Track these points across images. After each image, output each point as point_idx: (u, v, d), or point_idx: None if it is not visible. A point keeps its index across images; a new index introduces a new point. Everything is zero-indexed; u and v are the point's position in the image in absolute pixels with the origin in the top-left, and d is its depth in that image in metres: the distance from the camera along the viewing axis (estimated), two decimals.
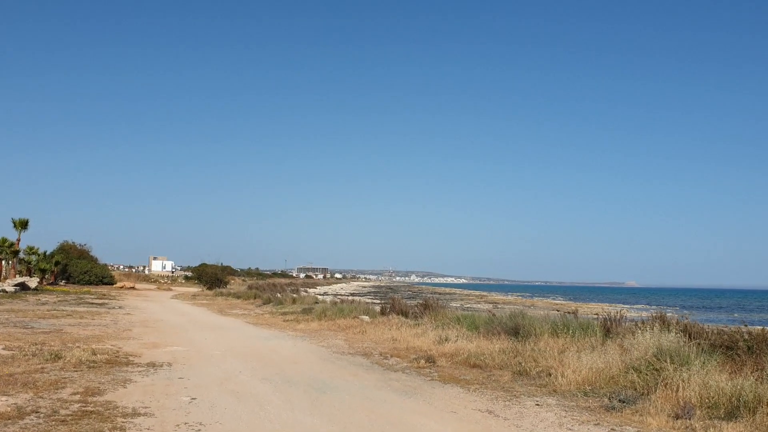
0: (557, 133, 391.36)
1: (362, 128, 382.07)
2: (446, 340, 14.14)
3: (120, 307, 28.27)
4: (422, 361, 11.48)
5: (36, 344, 12.67)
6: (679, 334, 10.65)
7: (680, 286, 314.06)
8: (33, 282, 38.72)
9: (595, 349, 11.25)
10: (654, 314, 14.11)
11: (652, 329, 10.95)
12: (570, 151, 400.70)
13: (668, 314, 15.23)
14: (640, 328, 11.21)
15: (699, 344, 9.64)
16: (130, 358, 11.48)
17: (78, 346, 12.41)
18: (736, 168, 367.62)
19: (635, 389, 8.66)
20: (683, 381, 8.08)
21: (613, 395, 8.31)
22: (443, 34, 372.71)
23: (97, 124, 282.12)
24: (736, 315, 56.65)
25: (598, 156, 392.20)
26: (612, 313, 14.92)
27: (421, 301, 21.27)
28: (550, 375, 9.91)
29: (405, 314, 20.23)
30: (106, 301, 33.41)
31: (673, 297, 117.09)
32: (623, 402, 7.95)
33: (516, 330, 14.15)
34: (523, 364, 10.74)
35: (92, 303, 30.38)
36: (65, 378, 9.06)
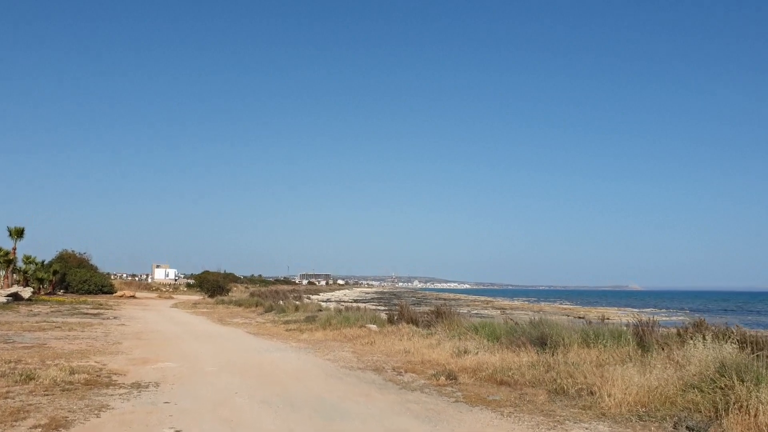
0: (556, 137, 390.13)
1: (363, 134, 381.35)
2: (465, 352, 12.83)
3: (115, 318, 26.99)
4: (442, 378, 10.17)
5: (10, 362, 11.38)
6: (735, 345, 9.38)
7: (682, 289, 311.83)
8: (27, 292, 37.44)
9: (639, 363, 9.95)
10: (695, 320, 12.87)
11: (704, 339, 9.66)
12: (570, 155, 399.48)
13: (691, 319, 13.99)
14: (691, 338, 9.91)
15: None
16: (113, 378, 10.19)
17: (57, 364, 11.11)
18: (737, 171, 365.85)
19: (700, 412, 7.35)
20: (762, 403, 6.77)
21: (678, 421, 6.99)
22: (445, 38, 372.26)
23: (97, 128, 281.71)
24: (749, 318, 55.37)
25: (599, 160, 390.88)
26: (643, 319, 13.59)
27: (431, 308, 19.95)
28: (593, 394, 8.60)
29: (415, 322, 18.92)
30: (102, 311, 32.12)
31: (678, 300, 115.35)
32: (692, 430, 6.64)
33: (542, 340, 12.83)
34: (558, 381, 9.42)
35: (86, 313, 29.10)
36: (31, 405, 7.77)
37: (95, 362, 11.99)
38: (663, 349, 10.94)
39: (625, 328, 13.21)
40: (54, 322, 22.68)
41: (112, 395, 8.67)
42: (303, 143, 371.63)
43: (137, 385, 9.52)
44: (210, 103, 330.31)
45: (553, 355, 11.79)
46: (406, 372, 11.33)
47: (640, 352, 11.61)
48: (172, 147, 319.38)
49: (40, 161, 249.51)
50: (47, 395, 8.45)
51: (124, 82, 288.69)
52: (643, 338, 12.38)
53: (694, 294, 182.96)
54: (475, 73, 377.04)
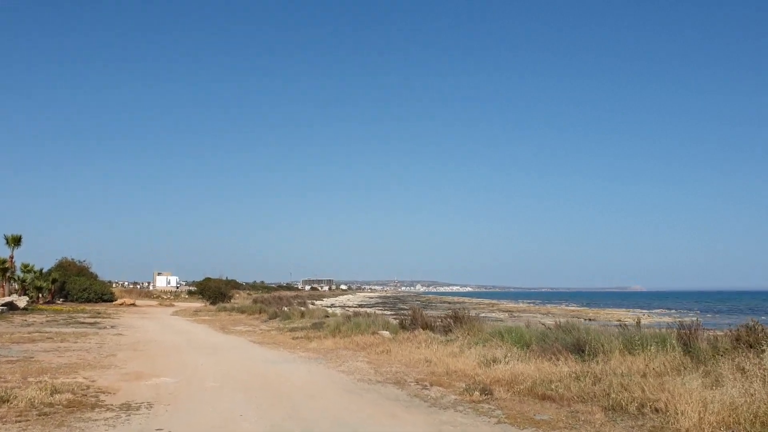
0: (555, 138, 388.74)
1: (362, 138, 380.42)
2: (494, 361, 11.57)
3: (112, 327, 25.74)
4: (476, 393, 8.90)
5: None
6: None
7: (685, 290, 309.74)
8: (22, 301, 36.19)
9: (701, 374, 8.71)
10: (747, 322, 11.58)
11: None
12: (570, 156, 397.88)
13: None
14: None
15: None
16: (101, 397, 8.95)
17: (39, 381, 9.87)
18: (737, 172, 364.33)
19: None
20: None
21: None
22: (444, 39, 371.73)
23: (97, 135, 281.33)
24: (763, 318, 54.01)
25: (599, 160, 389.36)
26: (685, 321, 12.32)
27: (448, 313, 18.70)
28: (658, 411, 7.35)
29: (431, 328, 17.69)
30: (99, 320, 30.87)
31: (683, 300, 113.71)
32: None
33: (579, 346, 11.59)
34: (613, 396, 8.16)
35: (83, 323, 27.86)
36: None
37: (83, 378, 10.75)
38: (721, 355, 9.70)
39: (662, 330, 12.01)
40: (47, 332, 21.45)
41: (96, 420, 7.43)
42: (303, 148, 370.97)
43: (127, 407, 8.29)
44: (209, 109, 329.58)
45: (593, 363, 10.58)
46: (431, 385, 10.07)
47: (688, 359, 10.40)
48: (172, 153, 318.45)
49: (40, 168, 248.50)
50: (20, 422, 7.22)
51: (123, 88, 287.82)
52: (688, 343, 11.15)
53: (697, 294, 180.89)
54: (474, 74, 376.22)
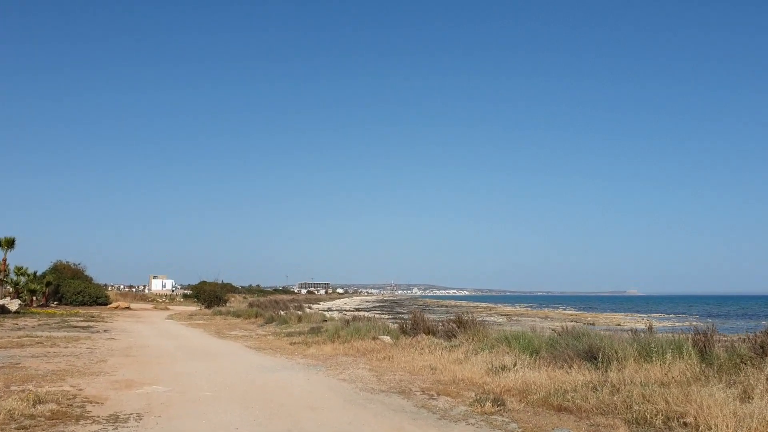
0: (555, 141, 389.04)
1: (358, 141, 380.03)
2: (502, 368, 11.04)
3: (105, 331, 25.11)
4: (487, 404, 8.36)
5: None
6: None
7: (681, 294, 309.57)
8: (14, 304, 35.48)
9: (725, 384, 8.20)
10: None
11: None
12: (568, 159, 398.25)
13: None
14: None
15: None
16: (87, 408, 8.38)
17: (22, 390, 9.32)
18: (735, 174, 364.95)
19: None
20: None
21: None
22: (444, 40, 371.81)
23: (93, 138, 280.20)
24: (763, 322, 53.56)
25: (597, 161, 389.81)
26: (700, 327, 11.79)
27: (450, 317, 18.16)
28: (687, 426, 6.83)
29: (434, 333, 17.16)
30: (93, 323, 30.22)
31: (682, 305, 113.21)
32: None
33: (591, 353, 11.07)
34: (635, 408, 7.63)
35: (75, 326, 27.20)
36: None
37: (70, 386, 10.17)
38: (745, 364, 9.19)
39: (677, 336, 11.49)
40: (37, 336, 20.81)
41: None
42: (299, 152, 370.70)
43: (115, 419, 7.72)
44: (205, 113, 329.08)
45: (606, 371, 10.06)
46: (438, 395, 9.52)
47: (708, 368, 9.88)
48: (168, 157, 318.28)
49: (36, 170, 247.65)
50: None
51: (120, 91, 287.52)
52: (704, 350, 10.64)
53: (692, 298, 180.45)
54: (474, 74, 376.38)
